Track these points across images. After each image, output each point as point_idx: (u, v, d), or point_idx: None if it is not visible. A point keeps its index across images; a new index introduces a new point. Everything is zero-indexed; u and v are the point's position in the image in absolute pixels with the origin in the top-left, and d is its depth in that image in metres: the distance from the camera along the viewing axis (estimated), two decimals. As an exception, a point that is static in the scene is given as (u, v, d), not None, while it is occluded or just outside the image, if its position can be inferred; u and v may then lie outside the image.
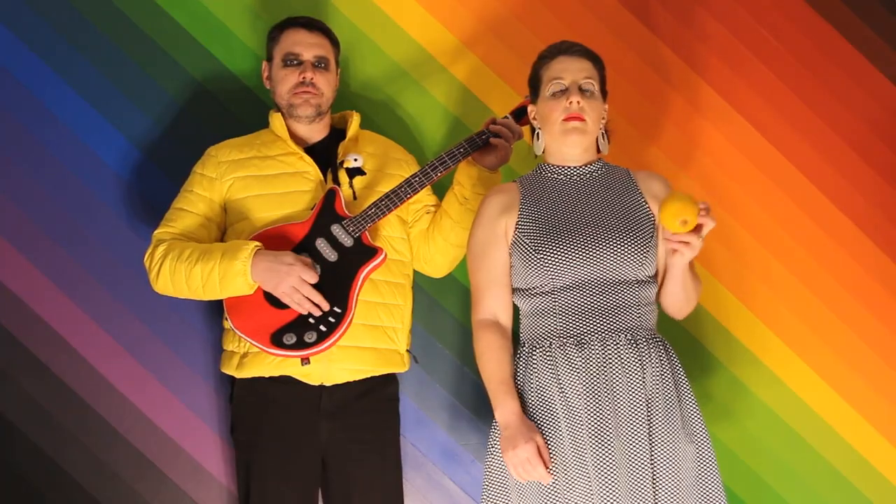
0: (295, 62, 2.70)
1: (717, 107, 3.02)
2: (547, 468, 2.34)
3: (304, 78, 2.68)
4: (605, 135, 2.54)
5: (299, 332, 2.52)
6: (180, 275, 2.56)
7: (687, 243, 2.31)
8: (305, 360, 2.56)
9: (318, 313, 2.53)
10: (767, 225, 3.00)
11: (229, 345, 2.67)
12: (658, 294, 2.51)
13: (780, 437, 2.94)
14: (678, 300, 2.50)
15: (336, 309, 2.54)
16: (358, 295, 2.56)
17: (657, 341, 2.46)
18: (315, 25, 2.74)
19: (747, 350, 2.96)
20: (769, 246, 3.00)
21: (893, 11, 3.08)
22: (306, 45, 2.70)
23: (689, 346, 2.92)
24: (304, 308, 2.52)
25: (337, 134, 2.80)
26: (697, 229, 2.30)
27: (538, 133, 2.55)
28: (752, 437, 2.94)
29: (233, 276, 2.51)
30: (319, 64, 2.71)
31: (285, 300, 2.52)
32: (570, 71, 2.48)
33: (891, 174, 3.03)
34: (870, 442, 2.94)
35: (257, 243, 2.54)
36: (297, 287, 2.50)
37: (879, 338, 2.97)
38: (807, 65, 3.05)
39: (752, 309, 2.97)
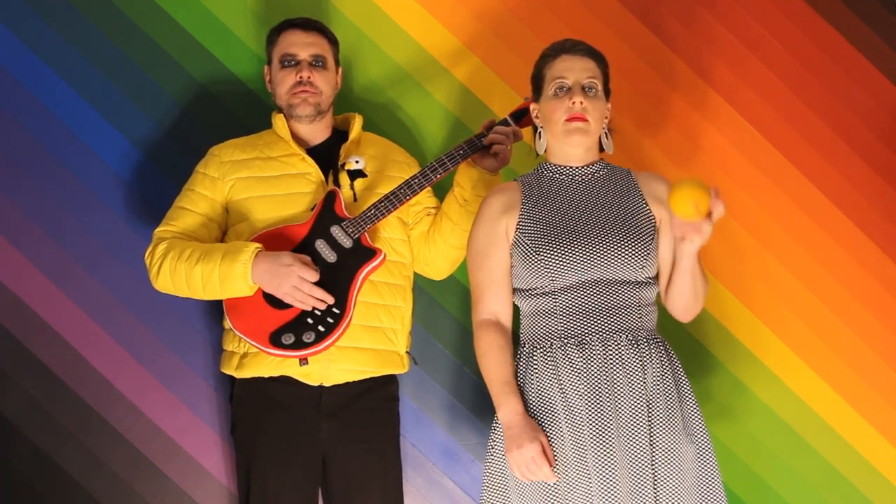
0: (292, 62, 2.70)
1: (718, 107, 3.02)
2: (551, 468, 2.34)
3: (301, 77, 2.68)
4: (607, 134, 2.54)
5: (298, 332, 2.52)
6: (180, 274, 2.56)
7: (698, 230, 2.28)
8: (304, 361, 2.56)
9: (322, 307, 2.53)
10: (767, 225, 3.00)
11: (229, 345, 2.68)
12: (666, 293, 2.49)
13: (780, 437, 2.94)
14: (686, 297, 2.45)
15: (335, 309, 2.54)
16: (357, 296, 2.57)
17: (658, 342, 2.45)
18: (311, 25, 2.74)
19: (747, 350, 2.96)
20: (769, 246, 3.00)
21: (893, 11, 3.08)
22: (302, 45, 2.70)
23: (689, 347, 2.92)
24: (307, 304, 2.52)
25: (339, 135, 2.80)
26: (708, 215, 2.26)
27: (540, 132, 2.55)
28: (752, 437, 2.94)
29: (234, 278, 2.51)
30: (317, 63, 2.71)
31: (287, 300, 2.51)
32: (573, 70, 2.47)
33: (891, 174, 3.03)
34: (870, 442, 2.94)
35: (258, 245, 2.54)
36: (298, 286, 2.50)
37: (879, 338, 2.97)
38: (807, 65, 3.05)
39: (753, 309, 2.97)
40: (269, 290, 2.53)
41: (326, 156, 2.74)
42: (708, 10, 3.05)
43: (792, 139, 3.03)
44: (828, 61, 3.06)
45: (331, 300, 2.53)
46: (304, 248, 2.58)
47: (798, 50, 3.05)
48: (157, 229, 2.66)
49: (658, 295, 2.51)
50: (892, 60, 3.06)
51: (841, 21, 3.06)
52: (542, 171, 2.56)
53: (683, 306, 2.48)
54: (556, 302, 2.42)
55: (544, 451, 2.34)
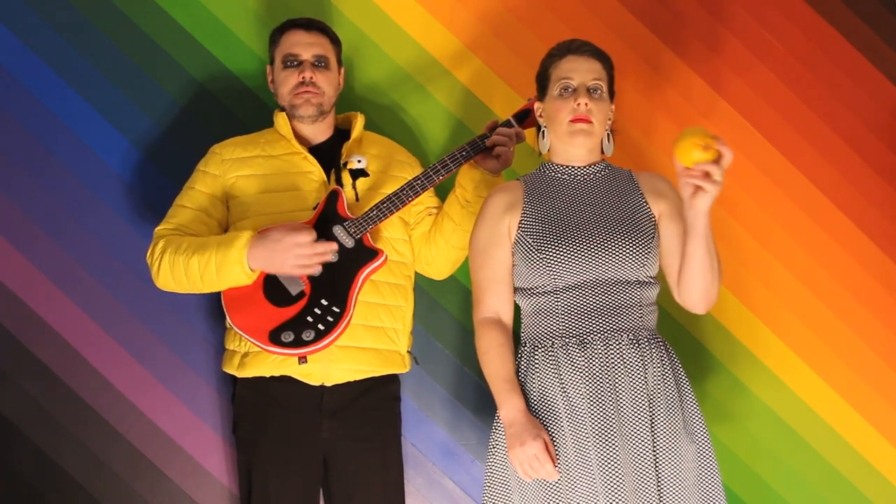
0: (294, 63, 2.70)
1: (718, 107, 3.02)
2: (554, 466, 2.35)
3: (303, 78, 2.68)
4: (609, 136, 2.54)
5: (297, 331, 2.52)
6: (179, 267, 2.56)
7: (709, 175, 2.18)
8: (302, 359, 2.56)
9: (330, 259, 2.52)
10: (767, 225, 3.00)
11: (231, 344, 2.68)
12: (679, 282, 2.42)
13: (780, 437, 2.94)
14: (703, 273, 2.33)
15: (335, 308, 2.54)
16: (357, 295, 2.57)
17: (658, 342, 2.46)
18: (314, 25, 2.74)
19: (747, 350, 2.96)
20: (769, 246, 3.00)
21: (893, 11, 3.08)
22: (305, 45, 2.70)
23: (689, 347, 2.92)
24: (315, 265, 2.51)
25: (341, 135, 2.80)
26: (717, 160, 2.18)
27: (544, 131, 2.55)
28: (752, 437, 2.94)
29: (230, 265, 2.51)
30: (319, 63, 2.71)
31: (296, 273, 2.51)
32: (578, 71, 2.47)
33: (891, 174, 3.03)
34: (870, 442, 2.94)
35: (251, 232, 2.53)
36: (299, 254, 2.48)
37: (879, 338, 2.97)
38: (807, 65, 3.05)
39: (753, 309, 2.97)
40: (272, 271, 2.52)
41: (328, 155, 2.74)
42: (708, 11, 3.05)
43: (792, 139, 3.03)
44: (828, 61, 3.06)
45: (334, 247, 2.52)
46: (305, 247, 2.58)
47: (798, 50, 3.05)
48: (157, 228, 2.66)
49: (658, 295, 2.52)
50: (892, 60, 3.06)
51: (841, 21, 3.06)
52: (545, 171, 2.56)
53: (701, 286, 2.37)
54: (557, 301, 2.42)
55: (547, 449, 2.35)
